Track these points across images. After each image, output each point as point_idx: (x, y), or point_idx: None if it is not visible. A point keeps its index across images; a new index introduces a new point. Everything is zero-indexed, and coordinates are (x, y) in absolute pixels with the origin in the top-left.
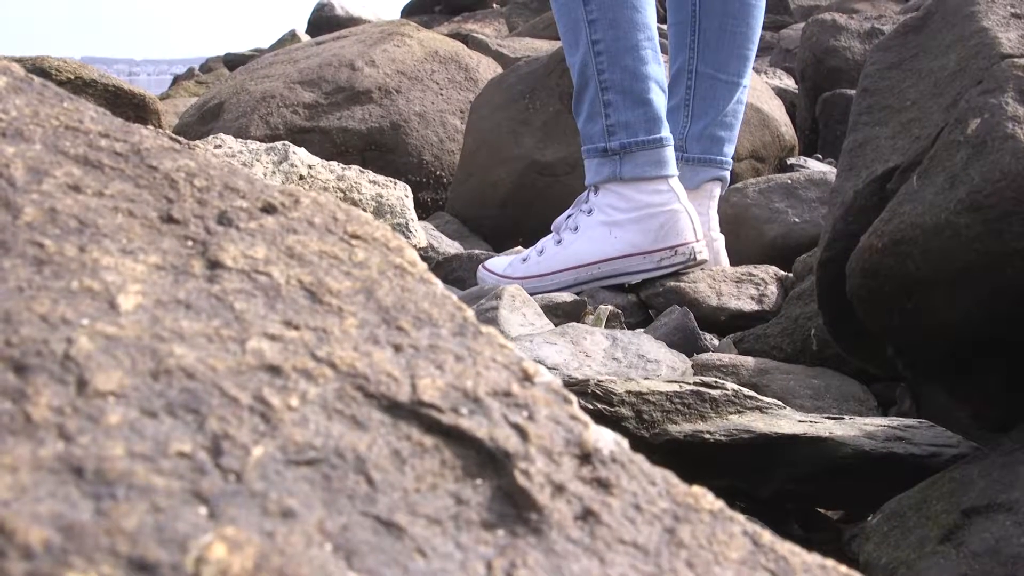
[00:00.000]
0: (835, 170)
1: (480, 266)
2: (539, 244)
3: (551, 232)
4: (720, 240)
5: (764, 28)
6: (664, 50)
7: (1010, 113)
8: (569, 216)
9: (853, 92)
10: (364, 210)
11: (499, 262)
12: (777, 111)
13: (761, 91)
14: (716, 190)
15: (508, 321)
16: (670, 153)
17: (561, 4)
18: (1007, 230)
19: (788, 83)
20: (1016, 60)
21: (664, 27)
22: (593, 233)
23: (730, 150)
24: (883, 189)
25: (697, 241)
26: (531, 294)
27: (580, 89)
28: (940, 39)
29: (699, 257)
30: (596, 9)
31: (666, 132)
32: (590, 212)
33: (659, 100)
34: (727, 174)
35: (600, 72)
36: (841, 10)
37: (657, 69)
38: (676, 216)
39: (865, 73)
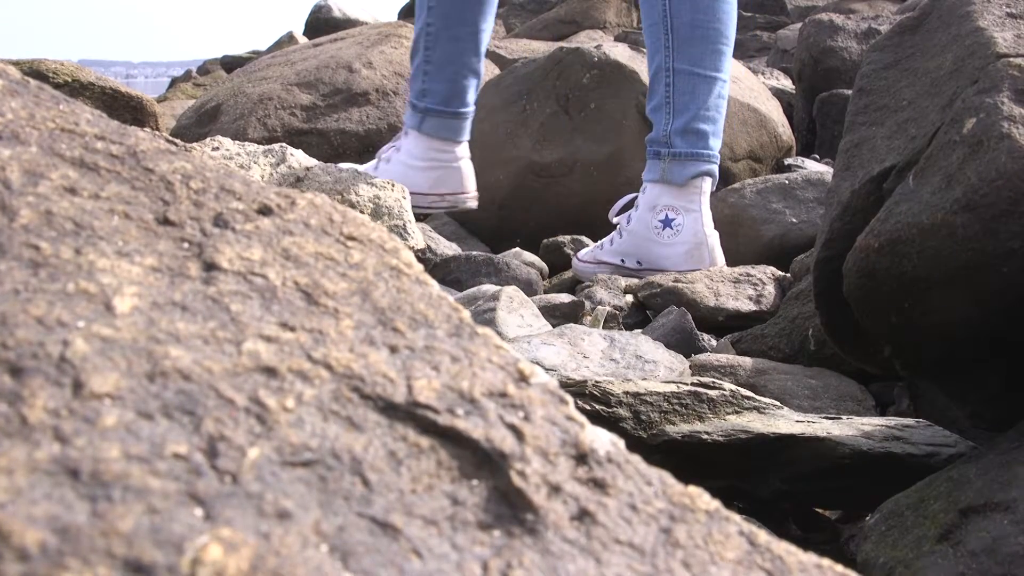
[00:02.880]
0: (832, 170)
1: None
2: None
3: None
4: (714, 236)
5: (761, 29)
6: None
7: (1006, 112)
8: (391, 147)
9: (850, 92)
10: (362, 212)
11: None
12: (774, 111)
13: (758, 91)
14: (706, 186)
15: (506, 322)
16: (464, 124)
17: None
18: (1003, 229)
19: (785, 83)
20: (1012, 60)
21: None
22: (393, 168)
23: (716, 144)
24: (880, 189)
25: (465, 193)
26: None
27: (413, 54)
28: (936, 39)
29: (463, 206)
30: (436, 1)
31: (465, 108)
32: (398, 149)
33: (465, 82)
34: (715, 168)
35: (427, 48)
36: (838, 10)
37: (471, 59)
38: (453, 170)
39: (861, 73)
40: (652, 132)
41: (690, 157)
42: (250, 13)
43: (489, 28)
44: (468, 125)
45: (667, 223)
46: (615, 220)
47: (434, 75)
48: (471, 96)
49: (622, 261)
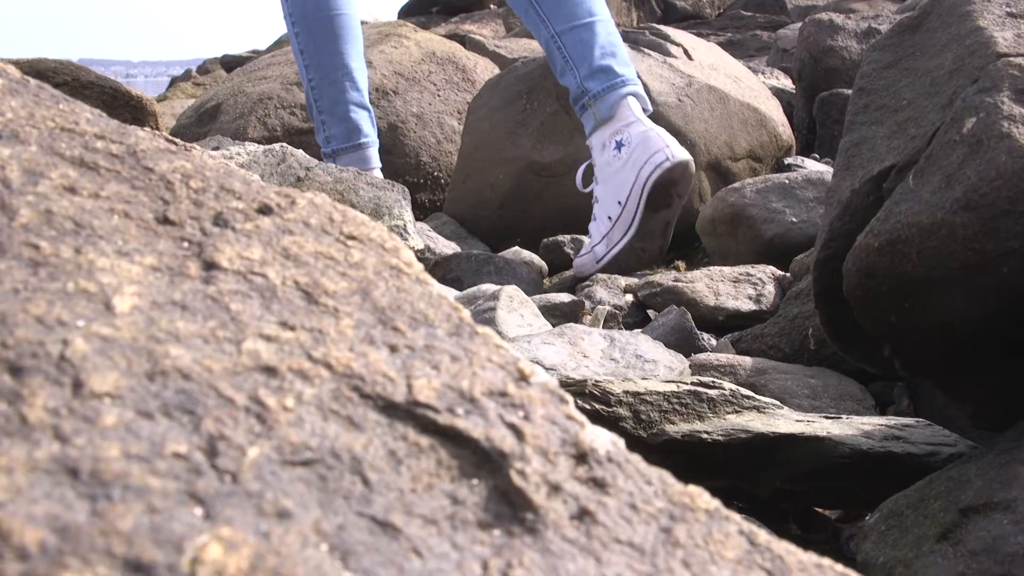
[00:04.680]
0: (832, 170)
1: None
2: None
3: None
4: (659, 129)
5: (761, 28)
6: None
7: (1006, 112)
8: None
9: (850, 92)
10: (362, 212)
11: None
12: (774, 111)
13: (758, 91)
14: (634, 104)
15: (506, 322)
16: (369, 153)
17: (295, 55)
18: (1003, 229)
19: (785, 83)
20: (1012, 59)
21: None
22: None
23: (625, 70)
24: (879, 188)
25: None
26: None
27: (309, 111)
28: (936, 38)
29: None
30: (308, 58)
31: (364, 139)
32: None
33: (357, 117)
34: (636, 88)
35: (316, 100)
36: (838, 10)
37: (354, 95)
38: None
39: (861, 72)
40: (570, 95)
41: (607, 89)
42: (250, 13)
43: (361, 66)
44: (374, 153)
45: (618, 145)
46: (585, 190)
47: (329, 121)
48: (367, 127)
49: (609, 218)
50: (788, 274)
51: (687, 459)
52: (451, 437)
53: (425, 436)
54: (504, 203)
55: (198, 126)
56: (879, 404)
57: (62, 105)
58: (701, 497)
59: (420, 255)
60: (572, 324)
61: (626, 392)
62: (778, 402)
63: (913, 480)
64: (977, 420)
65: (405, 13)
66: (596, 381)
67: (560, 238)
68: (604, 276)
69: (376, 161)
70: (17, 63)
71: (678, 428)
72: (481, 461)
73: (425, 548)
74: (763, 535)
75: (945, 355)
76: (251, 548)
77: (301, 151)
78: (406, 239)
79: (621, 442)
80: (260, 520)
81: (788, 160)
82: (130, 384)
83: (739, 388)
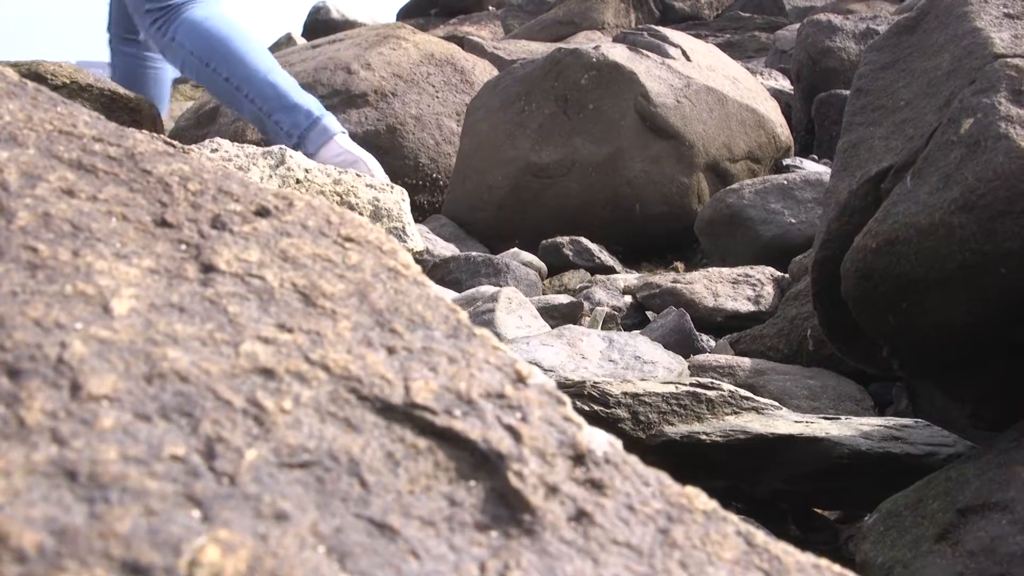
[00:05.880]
0: (830, 170)
1: None
2: None
3: None
4: None
5: (759, 29)
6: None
7: (1003, 113)
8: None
9: (848, 92)
10: (361, 214)
11: None
12: (773, 112)
13: (756, 92)
14: None
15: (504, 323)
16: (327, 122)
17: (217, 90)
18: (1000, 230)
19: (784, 84)
20: (1009, 60)
21: None
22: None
23: None
24: (877, 189)
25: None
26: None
27: (262, 129)
28: (933, 39)
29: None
30: (236, 79)
31: (318, 113)
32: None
33: (301, 98)
34: None
35: (261, 107)
36: (836, 11)
37: (289, 81)
38: (353, 160)
39: (859, 73)
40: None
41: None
42: (248, 14)
43: (275, 61)
44: (332, 120)
45: None
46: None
47: (282, 117)
48: (314, 103)
49: None
50: (787, 275)
51: (686, 460)
52: (449, 439)
53: (423, 438)
54: (503, 205)
55: (197, 128)
56: (878, 404)
57: (60, 108)
58: (699, 498)
59: (419, 257)
60: (571, 325)
61: (625, 393)
62: (777, 403)
63: (912, 480)
64: (976, 420)
65: (404, 15)
66: (595, 382)
67: (559, 239)
68: (603, 277)
69: (337, 126)
70: (15, 65)
71: (677, 429)
72: (479, 462)
73: (423, 550)
74: (761, 536)
75: (944, 355)
76: (249, 550)
77: (299, 153)
78: (405, 241)
79: (619, 443)
80: (258, 522)
81: (787, 161)
82: (128, 387)
83: (738, 389)
